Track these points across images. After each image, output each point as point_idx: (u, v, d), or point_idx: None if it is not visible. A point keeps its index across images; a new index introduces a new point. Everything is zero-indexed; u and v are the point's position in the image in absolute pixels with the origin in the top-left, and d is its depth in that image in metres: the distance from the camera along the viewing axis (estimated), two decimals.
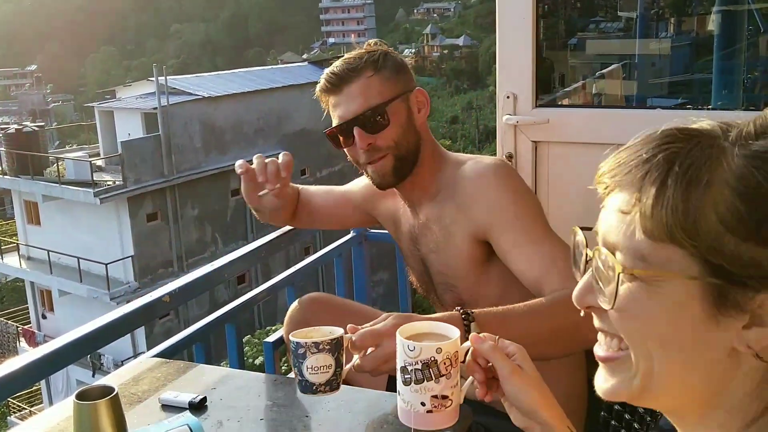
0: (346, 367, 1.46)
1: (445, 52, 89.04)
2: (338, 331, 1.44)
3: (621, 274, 0.78)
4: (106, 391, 1.40)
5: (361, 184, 2.27)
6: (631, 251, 0.77)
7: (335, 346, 1.41)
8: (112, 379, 1.79)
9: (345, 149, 1.97)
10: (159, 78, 23.18)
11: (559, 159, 2.63)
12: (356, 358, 1.46)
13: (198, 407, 1.65)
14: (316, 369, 1.41)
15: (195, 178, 24.15)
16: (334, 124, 1.95)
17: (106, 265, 21.84)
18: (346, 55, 1.98)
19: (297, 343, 1.42)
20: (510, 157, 2.66)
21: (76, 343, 1.82)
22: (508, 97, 2.59)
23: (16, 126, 26.27)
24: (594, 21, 4.06)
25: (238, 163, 1.98)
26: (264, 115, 26.87)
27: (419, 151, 1.96)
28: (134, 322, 1.95)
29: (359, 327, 1.46)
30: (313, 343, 1.40)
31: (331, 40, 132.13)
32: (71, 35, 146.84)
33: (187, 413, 1.60)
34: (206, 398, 1.67)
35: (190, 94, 24.55)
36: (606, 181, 0.81)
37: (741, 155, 0.74)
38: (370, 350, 1.44)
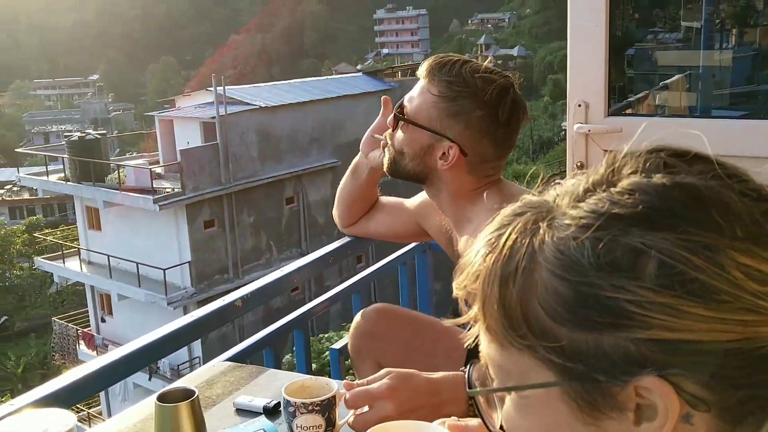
0: (340, 422, 1.43)
1: (499, 62, 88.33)
2: (332, 387, 1.44)
3: (495, 393, 0.70)
4: (187, 393, 1.41)
5: (417, 197, 2.28)
6: (493, 364, 0.69)
7: (325, 407, 1.40)
8: (186, 383, 1.81)
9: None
10: (217, 88, 23.60)
11: None
12: (351, 414, 1.44)
13: (272, 412, 1.65)
14: (305, 428, 1.41)
15: (251, 186, 24.49)
16: None
17: (164, 270, 22.27)
18: (450, 56, 1.93)
19: (287, 401, 1.42)
20: (581, 166, 2.61)
21: (151, 347, 1.84)
22: (579, 105, 2.55)
23: (79, 134, 26.99)
24: (652, 31, 4.00)
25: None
26: (319, 124, 27.13)
27: (425, 180, 1.97)
28: (207, 326, 1.97)
29: (355, 383, 1.46)
30: (302, 403, 1.40)
31: (385, 50, 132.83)
32: (132, 45, 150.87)
33: (262, 418, 1.61)
34: (280, 403, 1.68)
35: (248, 103, 24.93)
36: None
37: (560, 227, 0.64)
38: (364, 409, 1.41)
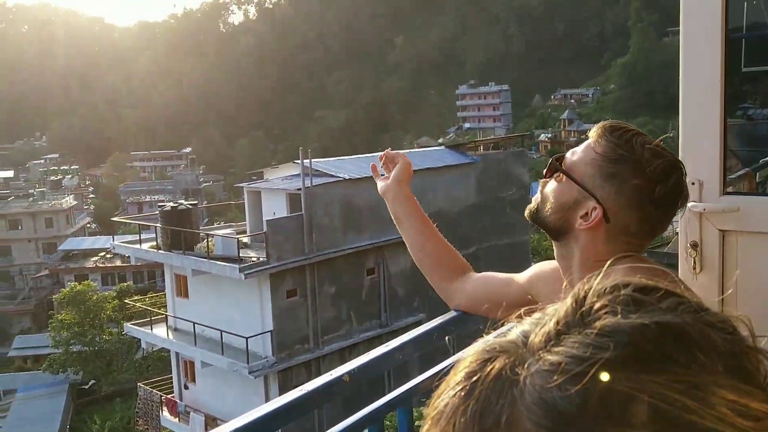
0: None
1: (583, 137, 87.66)
2: None
3: None
4: None
5: (530, 269, 2.24)
6: None
7: None
8: None
9: None
10: (303, 160, 24.23)
11: (751, 251, 2.44)
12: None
13: None
14: None
15: (333, 256, 24.75)
16: None
17: (247, 339, 22.54)
18: (625, 125, 1.91)
19: None
20: (694, 245, 2.50)
21: (255, 425, 1.80)
22: (693, 183, 2.45)
23: (171, 204, 28.02)
24: (742, 107, 3.89)
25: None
26: None
27: (560, 236, 1.91)
28: (314, 402, 1.93)
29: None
30: None
31: (467, 125, 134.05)
32: (223, 120, 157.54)
33: None
34: None
35: (332, 176, 25.46)
36: None
37: (539, 373, 0.58)
38: None
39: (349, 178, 25.53)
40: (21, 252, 73.39)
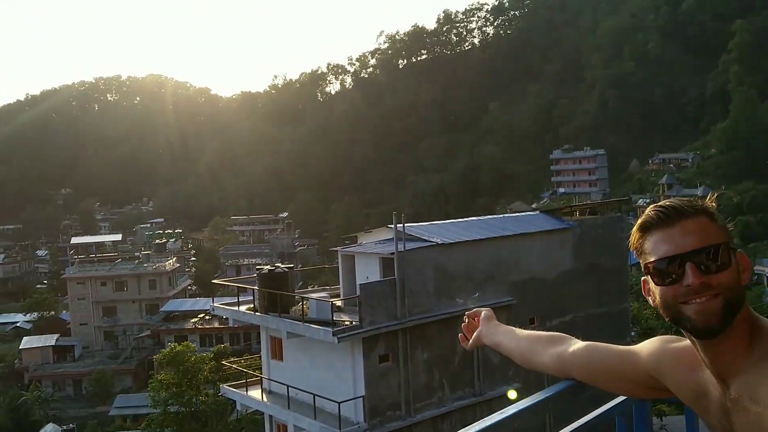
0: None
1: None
2: None
3: None
4: None
5: (650, 346, 2.10)
6: None
7: None
8: None
9: (661, 286, 1.80)
10: (397, 225, 24.37)
11: None
12: None
13: None
14: None
15: (426, 321, 24.52)
16: (651, 259, 1.81)
17: (339, 403, 22.42)
18: (671, 200, 1.86)
19: None
20: None
21: None
22: None
23: (268, 267, 28.59)
24: None
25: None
26: (494, 262, 27.03)
27: (740, 309, 1.78)
28: None
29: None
30: None
31: (561, 189, 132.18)
32: (319, 186, 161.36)
33: None
34: None
35: (425, 240, 25.44)
36: None
37: None
38: None
39: (442, 243, 25.44)
40: (126, 312, 76.44)
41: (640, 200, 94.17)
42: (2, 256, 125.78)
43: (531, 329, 2.51)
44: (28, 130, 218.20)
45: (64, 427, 50.80)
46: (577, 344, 2.32)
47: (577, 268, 29.27)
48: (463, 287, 25.94)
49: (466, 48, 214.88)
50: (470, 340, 2.59)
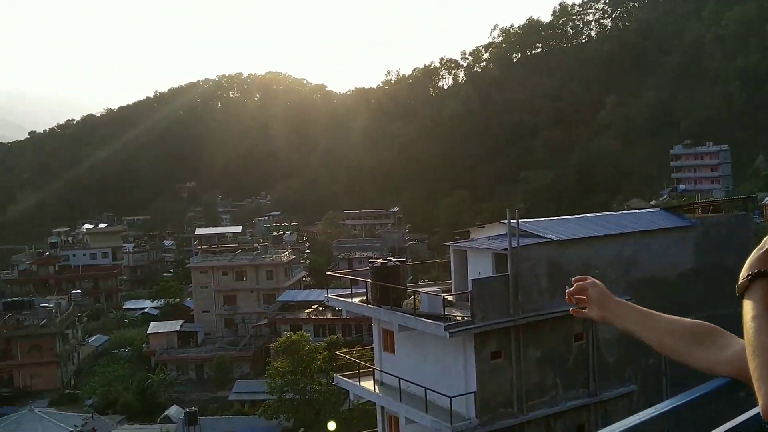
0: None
1: None
2: None
3: None
4: None
5: None
6: None
7: None
8: None
9: None
10: (511, 221, 24.18)
11: None
12: None
13: None
14: None
15: (539, 319, 24.22)
16: None
17: (450, 398, 22.53)
18: None
19: None
20: None
21: None
22: None
23: (381, 260, 28.97)
24: None
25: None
26: (612, 260, 26.33)
27: None
28: None
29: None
30: None
31: (682, 186, 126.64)
32: (429, 180, 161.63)
33: None
34: None
35: (539, 236, 25.11)
36: None
37: None
38: None
39: (558, 240, 25.03)
40: (245, 301, 79.50)
41: (766, 198, 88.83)
42: (132, 245, 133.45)
43: None
44: (157, 126, 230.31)
45: (187, 410, 53.40)
46: (737, 343, 2.16)
47: (699, 267, 28.06)
48: None
49: (583, 40, 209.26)
50: (588, 309, 2.42)
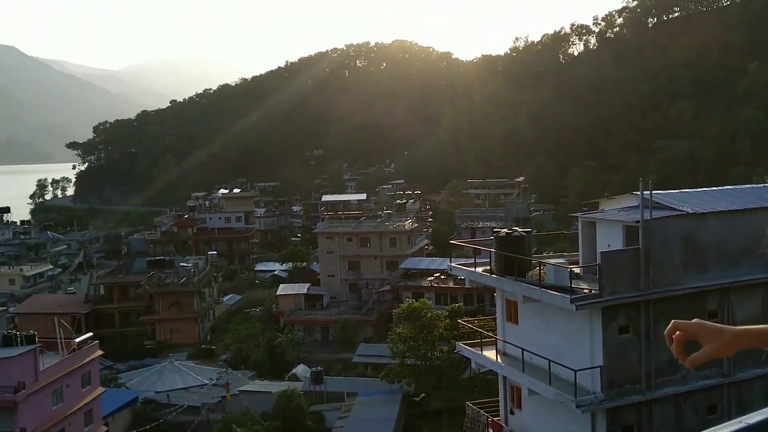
0: None
1: None
2: None
3: None
4: None
5: None
6: None
7: None
8: None
9: None
10: (643, 192, 23.28)
11: None
12: None
13: None
14: None
15: (671, 295, 23.32)
16: None
17: (575, 371, 22.20)
18: None
19: None
20: None
21: None
22: None
23: (506, 230, 28.68)
24: None
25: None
26: (752, 236, 24.87)
27: None
28: None
29: None
30: None
31: None
32: (557, 150, 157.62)
33: None
34: None
35: (674, 209, 24.05)
36: None
37: None
38: None
39: (694, 213, 23.90)
40: (368, 267, 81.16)
41: None
42: (263, 210, 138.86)
43: None
44: (287, 95, 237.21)
45: (313, 369, 55.43)
46: None
47: None
48: (715, 261, 24.23)
49: (725, 4, 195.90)
50: (706, 349, 2.38)
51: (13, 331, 48.42)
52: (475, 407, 29.67)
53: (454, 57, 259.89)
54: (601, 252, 23.51)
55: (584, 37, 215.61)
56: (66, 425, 42.75)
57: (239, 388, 54.26)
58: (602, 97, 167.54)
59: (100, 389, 47.37)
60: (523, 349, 24.93)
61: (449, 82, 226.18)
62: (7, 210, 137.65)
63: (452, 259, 37.52)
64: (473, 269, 28.14)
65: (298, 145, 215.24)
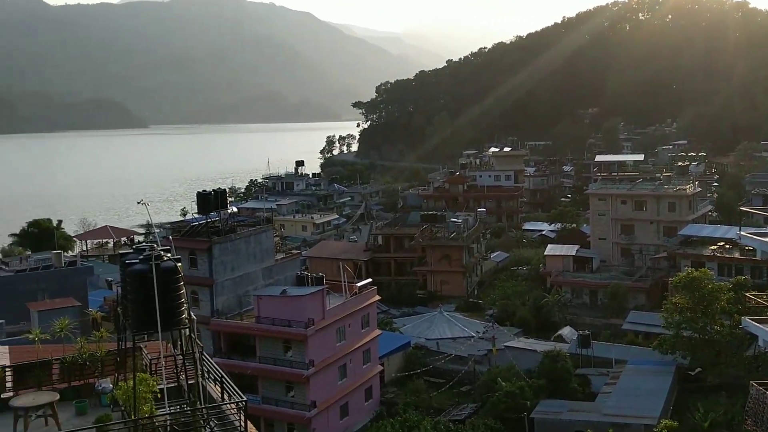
0: None
1: None
2: None
3: None
4: None
5: None
6: None
7: None
8: None
9: None
10: None
11: None
12: None
13: None
14: None
15: None
16: None
17: None
18: None
19: None
20: None
21: None
22: None
23: None
24: None
25: None
26: None
27: None
28: None
29: None
30: None
31: None
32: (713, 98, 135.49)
33: None
34: None
35: None
36: None
37: None
38: None
39: None
40: (642, 231, 77.43)
41: None
42: (534, 169, 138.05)
43: None
44: (562, 52, 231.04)
45: (581, 332, 54.61)
46: None
47: None
48: None
49: None
50: None
51: (306, 273, 54.13)
52: (761, 387, 27.36)
53: (751, 6, 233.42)
54: None
55: None
56: (347, 361, 47.03)
57: (505, 344, 55.34)
58: None
59: (378, 331, 51.26)
60: None
61: (745, 33, 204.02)
62: (302, 163, 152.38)
63: (741, 227, 34.54)
64: (766, 239, 25.71)
65: (571, 103, 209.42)
